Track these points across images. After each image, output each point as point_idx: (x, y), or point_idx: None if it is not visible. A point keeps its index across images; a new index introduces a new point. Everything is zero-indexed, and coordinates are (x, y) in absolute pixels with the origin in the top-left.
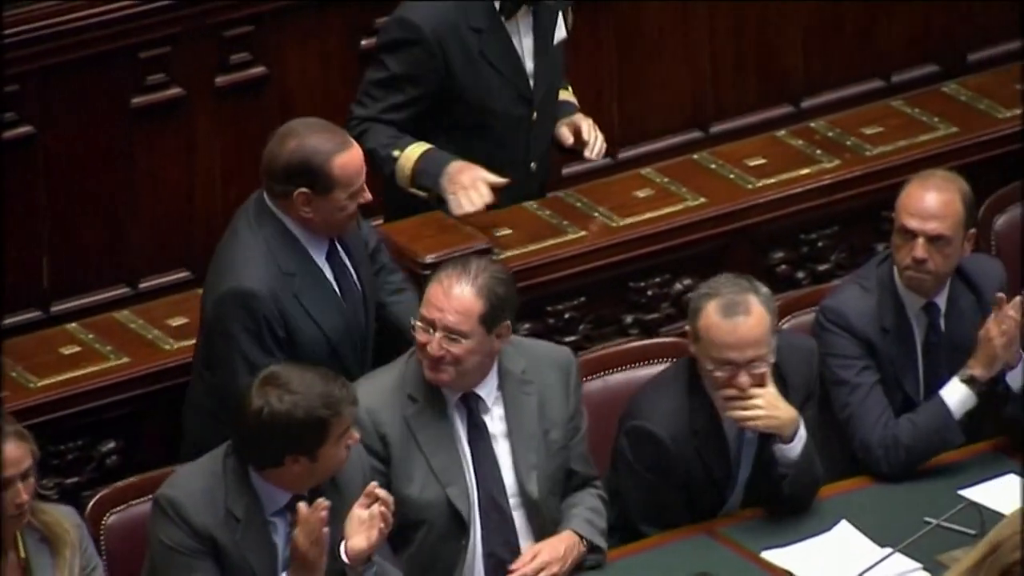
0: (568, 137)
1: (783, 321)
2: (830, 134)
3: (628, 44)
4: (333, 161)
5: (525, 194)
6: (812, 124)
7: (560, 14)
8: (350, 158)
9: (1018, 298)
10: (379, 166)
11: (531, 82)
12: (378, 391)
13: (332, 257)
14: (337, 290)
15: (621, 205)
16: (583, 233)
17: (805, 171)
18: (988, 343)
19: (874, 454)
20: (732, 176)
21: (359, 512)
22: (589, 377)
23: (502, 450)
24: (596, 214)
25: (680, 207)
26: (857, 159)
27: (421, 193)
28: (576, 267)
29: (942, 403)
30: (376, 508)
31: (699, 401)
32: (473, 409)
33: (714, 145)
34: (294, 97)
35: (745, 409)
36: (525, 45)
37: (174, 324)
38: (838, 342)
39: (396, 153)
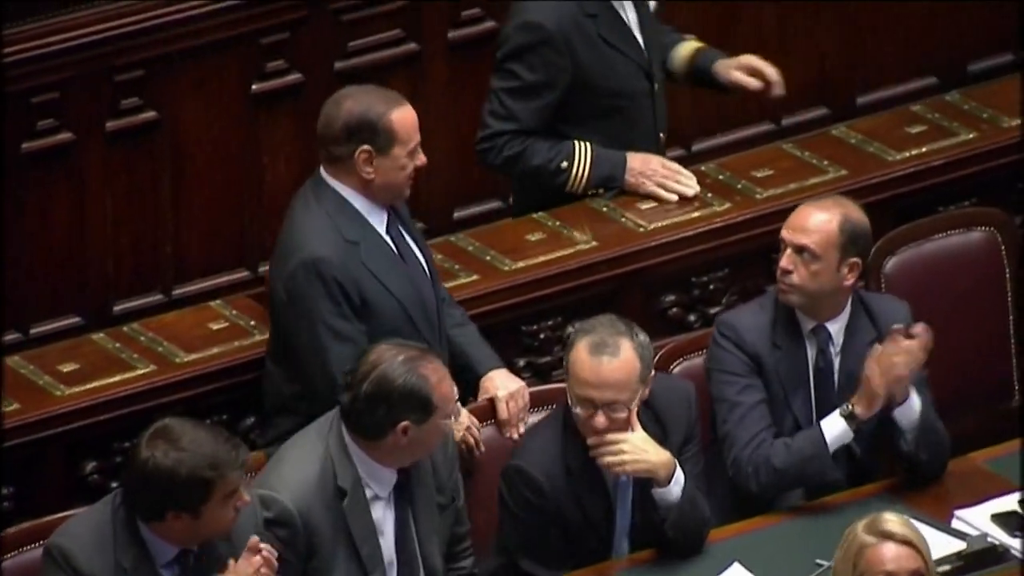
0: (751, 81)
1: (674, 365)
2: (720, 177)
3: None
4: (391, 115)
5: None
6: (703, 167)
7: None
8: (407, 113)
9: (924, 334)
10: (547, 180)
11: (646, 54)
12: (304, 490)
13: (392, 228)
14: (402, 260)
15: (513, 249)
16: (475, 277)
17: (696, 214)
18: (867, 382)
19: (744, 471)
20: (624, 220)
21: (243, 568)
22: (484, 424)
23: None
24: (488, 258)
25: (572, 251)
26: (748, 202)
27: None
28: (468, 311)
29: (819, 433)
30: (257, 559)
31: (573, 440)
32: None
33: None
34: (186, 142)
35: (612, 454)
36: (632, 19)
37: (65, 370)
38: (727, 358)
39: (564, 164)
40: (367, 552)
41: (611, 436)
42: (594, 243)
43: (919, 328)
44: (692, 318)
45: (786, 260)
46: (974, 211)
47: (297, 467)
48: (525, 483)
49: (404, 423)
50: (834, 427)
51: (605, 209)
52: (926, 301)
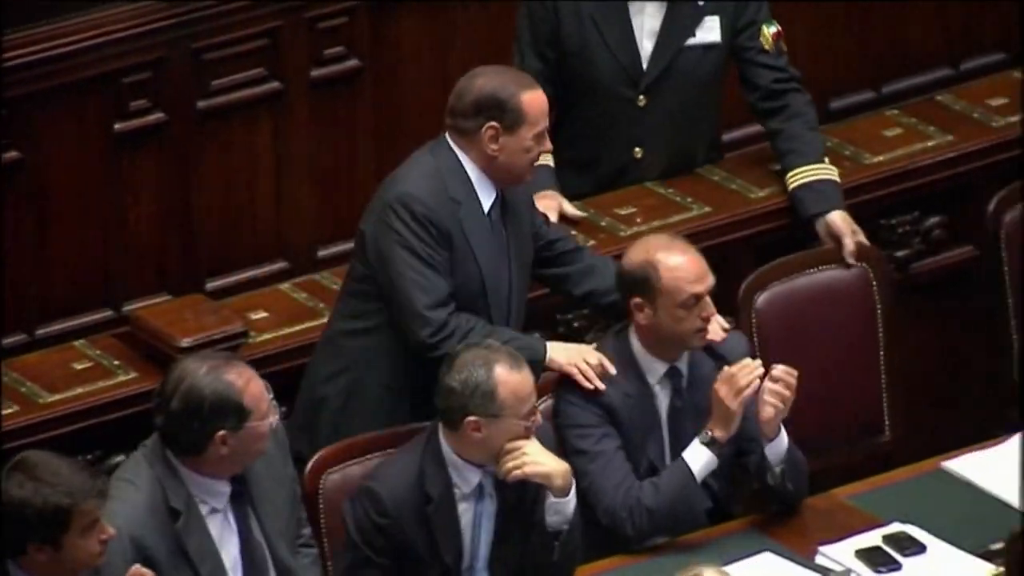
0: (827, 239)
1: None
2: (585, 214)
3: (385, 128)
4: (521, 96)
5: (630, 180)
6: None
7: (718, 18)
8: (537, 95)
9: (779, 368)
10: None
11: (644, 64)
12: (134, 516)
13: (495, 210)
14: (496, 236)
15: None
16: None
17: None
18: (719, 403)
19: (618, 517)
20: None
21: None
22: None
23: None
24: None
25: None
26: (612, 239)
27: None
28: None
29: (684, 466)
30: None
31: (436, 470)
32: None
33: None
34: (49, 182)
35: (513, 459)
36: (647, 25)
37: None
38: (576, 412)
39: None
40: (208, 570)
41: (512, 444)
42: None
43: (779, 371)
44: None
45: (711, 307)
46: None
47: (126, 495)
48: (372, 503)
49: (221, 432)
50: (698, 457)
51: None
52: (797, 336)
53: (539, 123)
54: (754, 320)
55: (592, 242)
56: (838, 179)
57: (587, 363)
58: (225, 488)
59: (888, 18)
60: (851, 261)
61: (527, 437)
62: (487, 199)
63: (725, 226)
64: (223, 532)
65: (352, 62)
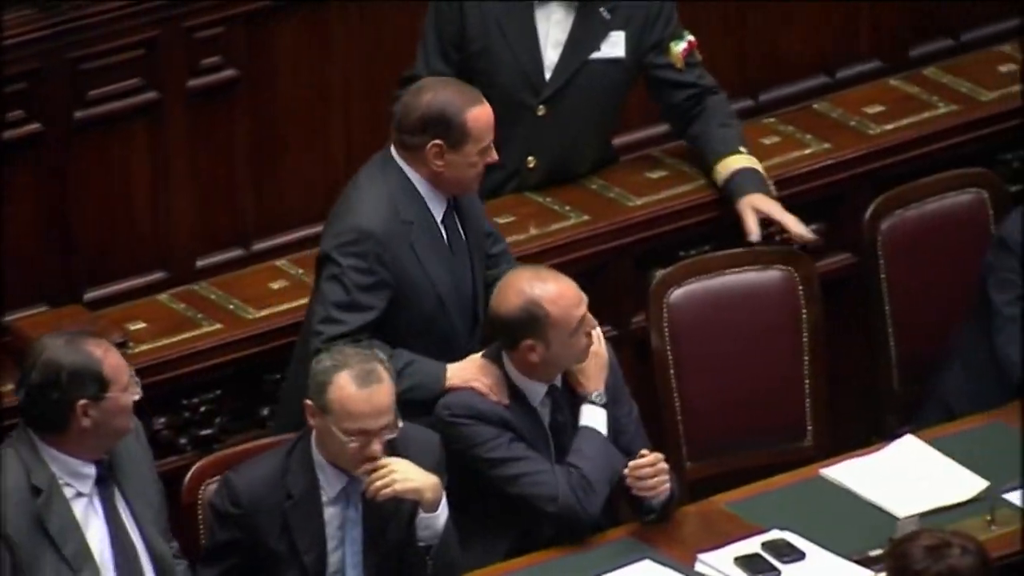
0: (753, 227)
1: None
2: None
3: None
4: (466, 114)
5: (518, 186)
6: None
7: (624, 33)
8: (482, 112)
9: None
10: None
11: (546, 74)
12: None
13: (448, 218)
14: (450, 249)
15: (256, 297)
16: (219, 326)
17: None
18: (589, 363)
19: (570, 501)
20: None
21: None
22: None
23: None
24: (231, 307)
25: None
26: None
27: None
28: (211, 360)
29: (591, 431)
30: None
31: (301, 467)
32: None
33: None
34: None
35: (381, 478)
36: (552, 35)
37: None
38: (475, 430)
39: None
40: (71, 550)
41: (378, 463)
42: None
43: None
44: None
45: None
46: (777, 248)
47: None
48: (228, 493)
49: (82, 402)
50: (595, 417)
51: None
52: (720, 337)
53: (484, 138)
54: (666, 315)
55: None
56: (759, 167)
57: (484, 382)
58: (90, 470)
59: (764, 26)
60: (799, 231)
61: (364, 457)
62: (439, 210)
63: (603, 234)
64: (88, 516)
65: (229, 72)
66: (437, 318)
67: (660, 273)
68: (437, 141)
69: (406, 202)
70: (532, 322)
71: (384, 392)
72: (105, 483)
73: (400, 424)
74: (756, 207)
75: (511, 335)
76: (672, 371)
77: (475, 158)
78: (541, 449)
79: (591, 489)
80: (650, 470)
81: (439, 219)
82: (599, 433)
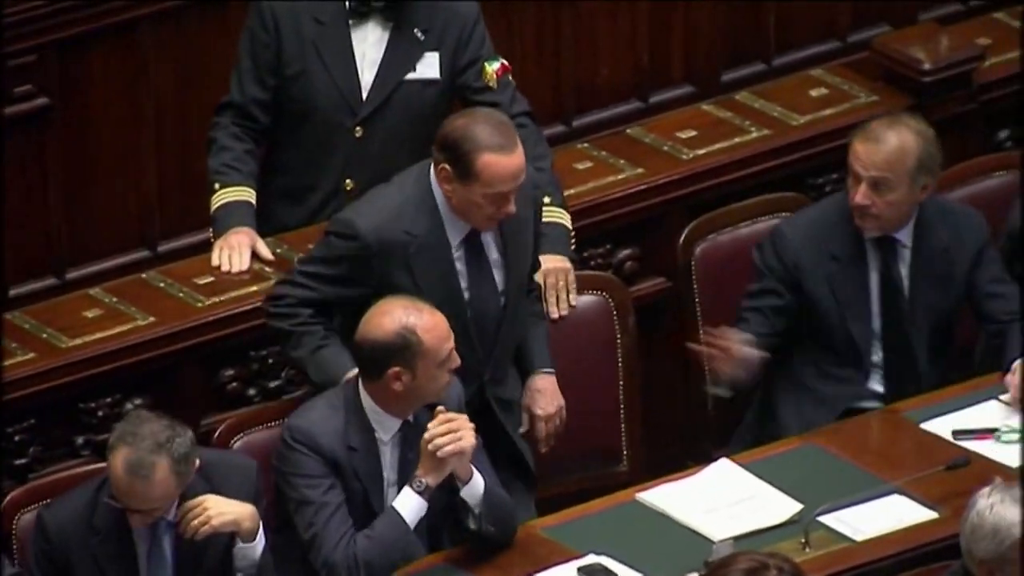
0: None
1: (234, 440)
2: (279, 250)
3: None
4: (479, 155)
5: (335, 209)
6: None
7: (438, 54)
8: (496, 161)
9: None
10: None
11: (363, 94)
12: None
13: (470, 242)
14: (461, 275)
15: (70, 326)
16: (32, 355)
17: (254, 288)
18: (425, 449)
19: (338, 572)
20: (181, 295)
21: None
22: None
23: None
24: (44, 335)
25: (130, 326)
26: None
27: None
28: (26, 389)
29: (396, 515)
30: None
31: (108, 504)
32: None
33: (164, 263)
34: None
35: (196, 517)
36: (368, 56)
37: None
38: (305, 461)
39: (216, 186)
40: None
41: (191, 502)
42: (151, 319)
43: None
44: (251, 392)
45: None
46: (591, 274)
47: None
48: (39, 529)
49: None
50: (408, 504)
51: (163, 284)
52: None
53: (493, 185)
54: None
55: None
56: (565, 221)
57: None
58: None
59: (577, 52)
60: (552, 315)
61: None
62: (458, 231)
63: None
64: None
65: (41, 100)
66: None
67: None
68: (445, 165)
69: (418, 215)
70: (404, 348)
71: (149, 488)
72: None
73: (176, 509)
74: (545, 273)
75: (379, 361)
76: None
77: (481, 200)
78: (371, 493)
79: (363, 570)
80: (442, 428)
81: (455, 241)
82: (400, 520)
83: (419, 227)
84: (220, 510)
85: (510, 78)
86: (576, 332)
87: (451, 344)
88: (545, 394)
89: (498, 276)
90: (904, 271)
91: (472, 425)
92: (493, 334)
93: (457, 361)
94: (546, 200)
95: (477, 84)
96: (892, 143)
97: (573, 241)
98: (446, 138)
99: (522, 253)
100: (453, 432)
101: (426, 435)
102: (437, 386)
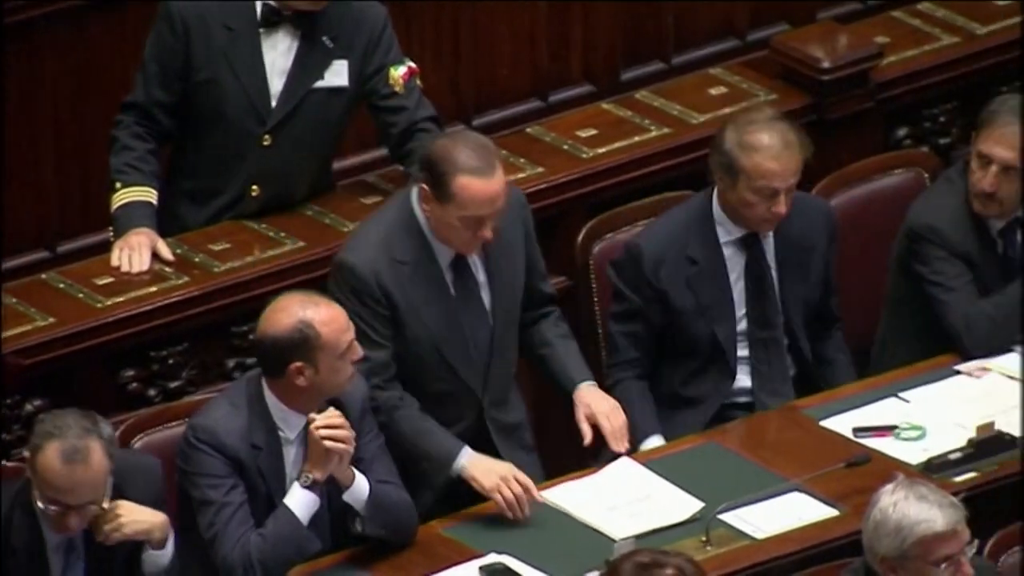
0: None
1: (135, 440)
2: (178, 251)
3: None
4: (456, 177)
5: (237, 213)
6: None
7: (347, 62)
8: (472, 184)
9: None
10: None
11: (272, 102)
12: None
13: (459, 261)
14: (453, 295)
15: None
16: None
17: (154, 288)
18: (314, 444)
19: (235, 572)
20: (81, 296)
21: None
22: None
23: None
24: None
25: (29, 327)
26: (206, 276)
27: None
28: None
29: (287, 511)
30: None
31: (25, 516)
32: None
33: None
34: None
35: (108, 522)
36: (278, 64)
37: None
38: (208, 461)
39: (117, 186)
40: None
41: (106, 509)
42: (51, 320)
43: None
44: (152, 392)
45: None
46: None
47: None
48: None
49: None
50: (299, 500)
51: (62, 285)
52: None
53: (468, 208)
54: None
55: (186, 278)
56: None
57: (511, 489)
58: None
59: (476, 51)
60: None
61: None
62: (446, 253)
63: (319, 260)
64: None
65: None
66: (432, 362)
67: None
68: (424, 185)
69: (404, 241)
70: (303, 343)
71: (89, 474)
72: None
73: (107, 505)
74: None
75: (280, 358)
76: None
77: (456, 222)
78: (275, 492)
79: (259, 571)
80: (327, 422)
81: (445, 263)
82: (291, 517)
83: (407, 253)
84: (133, 519)
85: (417, 82)
86: None
87: (351, 335)
88: (596, 397)
89: (485, 298)
90: (772, 262)
91: (353, 433)
92: (486, 355)
93: (359, 352)
94: None
95: (384, 90)
96: None
97: None
98: (427, 158)
99: (509, 276)
100: (335, 428)
101: (312, 425)
102: (341, 378)
